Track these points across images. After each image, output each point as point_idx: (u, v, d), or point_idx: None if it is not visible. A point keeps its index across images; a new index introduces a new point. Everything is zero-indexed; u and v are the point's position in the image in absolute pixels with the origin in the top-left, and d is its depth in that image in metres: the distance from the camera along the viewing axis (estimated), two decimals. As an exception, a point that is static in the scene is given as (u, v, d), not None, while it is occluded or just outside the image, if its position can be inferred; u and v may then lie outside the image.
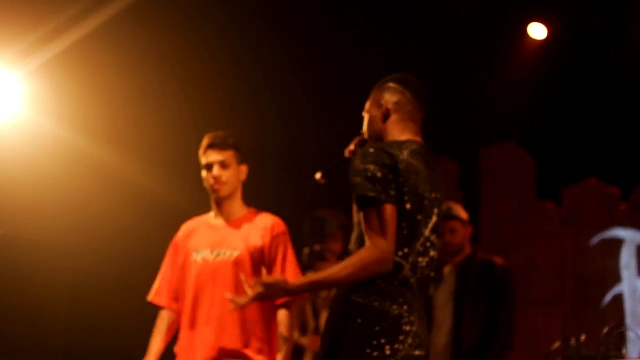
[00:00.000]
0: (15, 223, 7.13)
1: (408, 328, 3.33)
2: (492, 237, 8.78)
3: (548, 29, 8.28)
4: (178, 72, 7.79)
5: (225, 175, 4.42)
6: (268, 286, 3.37)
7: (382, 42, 8.13)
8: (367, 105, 3.71)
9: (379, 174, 3.33)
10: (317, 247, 6.44)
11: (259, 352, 4.33)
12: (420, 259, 3.41)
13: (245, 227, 4.44)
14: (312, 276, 3.52)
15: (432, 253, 3.46)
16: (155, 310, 4.62)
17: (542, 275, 8.67)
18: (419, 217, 3.41)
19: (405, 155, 3.41)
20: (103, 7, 7.15)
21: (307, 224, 6.55)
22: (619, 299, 8.33)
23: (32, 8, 7.06)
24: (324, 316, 6.51)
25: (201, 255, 4.41)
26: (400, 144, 3.46)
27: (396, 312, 3.31)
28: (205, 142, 4.50)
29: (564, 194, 8.83)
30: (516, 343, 6.09)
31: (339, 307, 3.36)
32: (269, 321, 4.39)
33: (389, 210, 3.31)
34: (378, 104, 3.65)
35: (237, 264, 4.34)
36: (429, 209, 3.45)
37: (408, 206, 3.37)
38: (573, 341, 4.58)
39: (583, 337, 4.59)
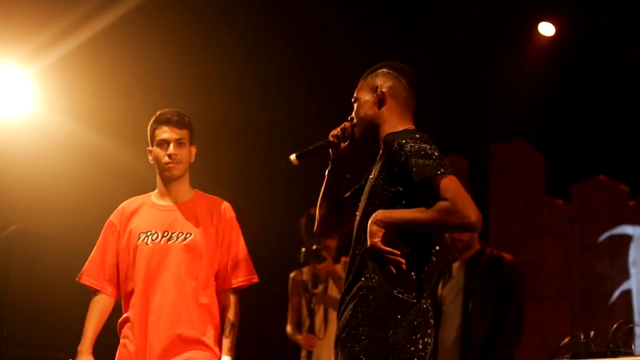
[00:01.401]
0: (27, 219, 7.16)
1: (432, 322, 3.35)
2: (500, 234, 8.81)
3: (557, 28, 8.29)
4: (189, 68, 7.82)
5: (181, 153, 4.26)
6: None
7: (392, 38, 8.14)
8: (357, 92, 3.59)
9: (437, 153, 3.27)
10: (314, 246, 6.40)
11: (216, 340, 4.19)
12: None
13: (196, 210, 4.26)
14: (396, 214, 3.26)
15: None
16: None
17: (550, 271, 8.70)
18: None
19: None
20: (114, 5, 7.18)
21: (302, 220, 6.51)
22: (627, 295, 8.35)
23: (44, 6, 7.10)
24: (319, 314, 6.49)
25: (151, 238, 4.21)
26: (424, 137, 3.36)
27: (424, 306, 3.32)
28: (160, 116, 4.33)
29: (573, 190, 8.86)
30: (525, 339, 6.10)
31: (377, 301, 3.29)
32: (221, 307, 4.24)
33: (456, 180, 3.22)
34: (372, 88, 3.52)
35: (190, 247, 4.17)
36: None
37: None
38: (582, 337, 4.60)
39: (592, 333, 4.61)
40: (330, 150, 3.68)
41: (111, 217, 4.36)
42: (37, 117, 7.53)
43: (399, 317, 3.27)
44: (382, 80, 3.52)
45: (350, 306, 3.36)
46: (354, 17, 8.24)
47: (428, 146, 3.27)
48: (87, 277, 4.33)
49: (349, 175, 3.67)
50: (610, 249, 8.50)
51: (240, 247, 4.27)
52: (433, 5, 8.10)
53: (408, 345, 3.25)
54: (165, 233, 4.21)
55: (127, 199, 4.45)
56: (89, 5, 7.18)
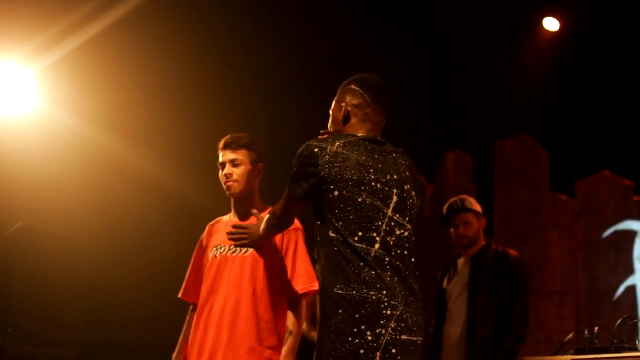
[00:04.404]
0: (32, 216, 7.18)
1: (389, 312, 3.36)
2: (505, 229, 8.81)
3: (561, 23, 8.29)
4: (193, 67, 7.84)
5: (236, 172, 4.47)
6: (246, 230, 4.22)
7: (398, 39, 8.15)
8: (333, 104, 3.81)
9: (294, 169, 3.60)
10: None
11: (272, 348, 4.36)
12: (388, 238, 3.48)
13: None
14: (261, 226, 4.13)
15: (399, 231, 3.52)
16: (172, 303, 4.65)
17: (555, 266, 8.70)
18: (366, 200, 3.48)
19: (335, 146, 3.53)
20: (118, 4, 7.20)
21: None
22: (631, 291, 8.34)
23: (48, 4, 7.12)
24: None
25: (219, 251, 4.46)
26: (337, 137, 3.60)
27: (374, 297, 3.36)
28: (220, 143, 4.57)
29: (578, 186, 8.85)
30: (529, 334, 6.10)
31: (322, 302, 3.47)
32: (281, 316, 4.43)
33: (288, 197, 3.73)
34: (339, 105, 3.75)
35: (250, 259, 4.38)
36: (382, 191, 3.53)
37: (336, 193, 3.48)
38: (586, 332, 4.60)
39: (596, 329, 4.61)
40: None
41: (202, 235, 4.66)
42: (42, 115, 7.55)
43: (340, 311, 3.38)
44: (350, 98, 3.75)
45: None
46: (362, 16, 8.25)
47: (295, 160, 3.61)
48: (186, 292, 4.63)
49: None
50: (615, 244, 8.49)
51: (300, 257, 4.45)
52: (438, 1, 8.10)
53: (350, 339, 3.34)
54: (232, 246, 4.46)
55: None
56: (94, 2, 7.20)
